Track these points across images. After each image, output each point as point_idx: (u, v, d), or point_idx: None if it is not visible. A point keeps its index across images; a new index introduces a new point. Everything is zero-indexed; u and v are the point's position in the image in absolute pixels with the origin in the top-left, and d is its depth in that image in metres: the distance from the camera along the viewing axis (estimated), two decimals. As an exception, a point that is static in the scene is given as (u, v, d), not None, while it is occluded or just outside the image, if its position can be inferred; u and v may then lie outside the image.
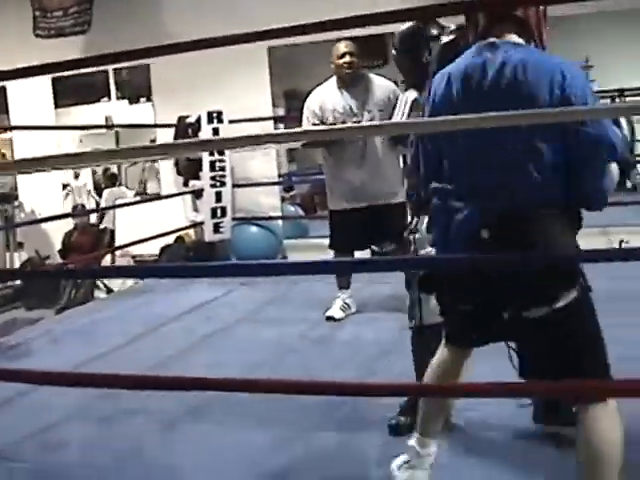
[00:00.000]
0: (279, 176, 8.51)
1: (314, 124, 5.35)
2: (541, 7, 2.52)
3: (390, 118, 4.89)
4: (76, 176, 10.68)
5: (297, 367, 4.39)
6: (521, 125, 2.29)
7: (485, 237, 2.38)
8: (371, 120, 5.19)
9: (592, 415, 2.31)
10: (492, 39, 2.45)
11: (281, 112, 10.25)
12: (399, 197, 5.08)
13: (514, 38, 2.47)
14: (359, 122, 5.18)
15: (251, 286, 6.46)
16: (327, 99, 5.37)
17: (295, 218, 8.70)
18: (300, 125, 5.52)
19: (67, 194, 10.01)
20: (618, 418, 2.31)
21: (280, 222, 8.02)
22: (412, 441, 2.80)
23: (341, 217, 5.46)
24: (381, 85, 5.42)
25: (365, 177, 5.29)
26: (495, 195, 2.39)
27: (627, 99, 8.83)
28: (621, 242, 6.93)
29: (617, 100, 9.03)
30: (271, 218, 7.84)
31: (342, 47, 5.33)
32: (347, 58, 5.30)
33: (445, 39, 3.20)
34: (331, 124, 5.28)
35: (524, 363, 2.53)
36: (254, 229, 7.65)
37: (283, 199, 9.08)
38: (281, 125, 9.07)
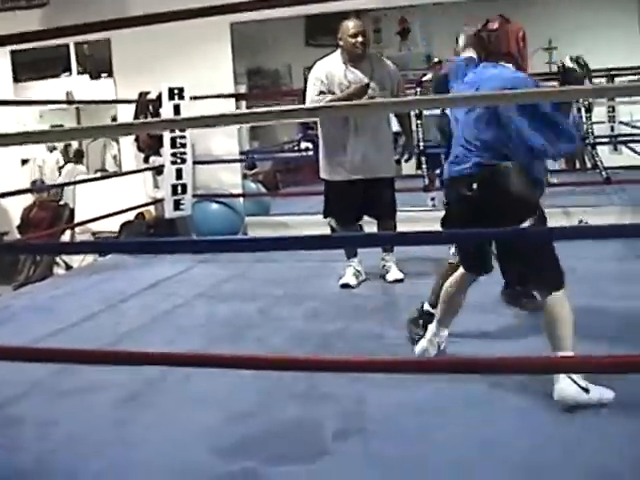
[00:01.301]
0: (241, 153, 8.48)
1: (321, 92, 5.44)
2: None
3: (391, 96, 5.36)
4: (51, 150, 10.63)
5: (255, 342, 4.42)
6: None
7: None
8: (372, 98, 5.31)
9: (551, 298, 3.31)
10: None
11: (243, 89, 10.21)
12: (393, 170, 5.64)
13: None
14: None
15: (211, 263, 6.47)
16: (334, 72, 5.47)
17: (256, 195, 8.67)
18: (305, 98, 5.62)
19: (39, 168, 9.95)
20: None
21: (241, 200, 8.00)
22: (432, 325, 3.83)
23: (341, 188, 5.57)
24: (385, 64, 5.66)
25: (365, 149, 5.47)
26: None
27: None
28: (580, 221, 7.06)
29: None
30: (232, 196, 7.82)
31: (356, 26, 5.47)
32: (360, 38, 5.44)
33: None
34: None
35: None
36: (215, 206, 7.65)
37: (245, 176, 9.07)
38: (243, 103, 9.03)
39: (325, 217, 5.70)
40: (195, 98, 7.28)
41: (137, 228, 7.79)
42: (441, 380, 3.15)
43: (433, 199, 8.19)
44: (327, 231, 6.57)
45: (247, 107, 9.01)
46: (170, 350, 3.49)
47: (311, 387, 3.56)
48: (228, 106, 7.77)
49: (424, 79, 9.14)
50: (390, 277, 5.66)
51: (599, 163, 8.02)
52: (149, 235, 7.63)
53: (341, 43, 5.48)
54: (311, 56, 14.39)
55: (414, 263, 5.79)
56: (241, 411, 3.41)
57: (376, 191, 5.55)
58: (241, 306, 5.24)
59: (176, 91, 7.25)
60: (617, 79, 8.67)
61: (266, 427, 3.25)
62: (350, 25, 5.45)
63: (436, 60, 10.13)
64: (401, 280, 5.61)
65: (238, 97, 8.42)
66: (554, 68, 12.33)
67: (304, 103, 5.63)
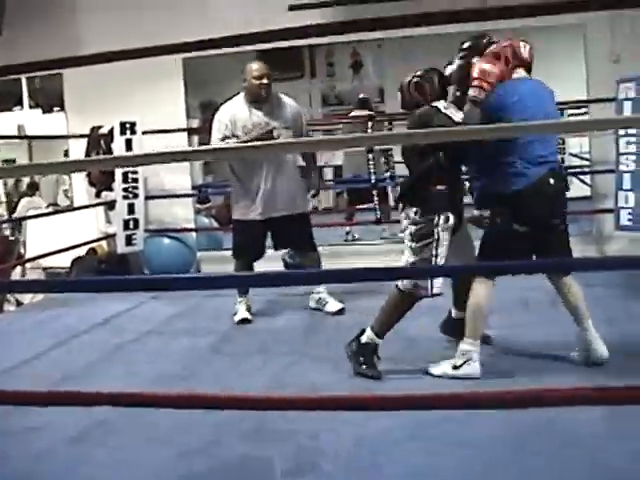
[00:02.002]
0: (193, 187, 8.48)
1: (225, 137, 5.51)
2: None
3: (295, 136, 5.46)
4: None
5: (207, 378, 4.42)
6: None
7: None
8: (278, 137, 5.45)
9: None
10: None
11: (196, 123, 10.23)
12: (307, 205, 5.82)
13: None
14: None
15: (162, 299, 6.45)
16: (238, 114, 5.55)
17: (208, 230, 8.65)
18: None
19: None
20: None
21: (194, 234, 8.00)
22: (465, 345, 4.08)
23: (254, 227, 5.62)
24: (289, 104, 5.74)
25: (277, 188, 5.58)
26: None
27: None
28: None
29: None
30: (184, 230, 7.81)
31: (260, 68, 5.56)
32: (265, 80, 5.53)
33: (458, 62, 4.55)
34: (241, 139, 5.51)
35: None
36: (167, 241, 7.63)
37: (198, 211, 9.07)
38: (196, 137, 9.03)
39: (236, 257, 5.78)
40: (147, 132, 7.28)
41: (89, 264, 7.75)
42: (393, 414, 3.17)
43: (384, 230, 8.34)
44: (280, 264, 6.62)
45: (200, 141, 9.00)
46: (121, 388, 3.48)
47: (263, 423, 3.57)
48: (181, 140, 7.77)
49: (351, 114, 9.39)
50: (331, 308, 5.77)
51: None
52: (101, 271, 7.59)
53: (245, 85, 5.58)
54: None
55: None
56: (191, 449, 3.41)
57: (293, 227, 5.66)
58: (193, 342, 5.24)
59: (128, 125, 7.24)
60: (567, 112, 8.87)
61: (216, 465, 3.26)
62: (254, 67, 5.55)
63: (361, 96, 10.36)
64: (343, 310, 5.75)
65: (190, 131, 8.42)
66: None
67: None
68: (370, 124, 7.62)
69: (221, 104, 5.72)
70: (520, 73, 4.26)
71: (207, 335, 5.38)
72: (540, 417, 2.92)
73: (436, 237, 4.23)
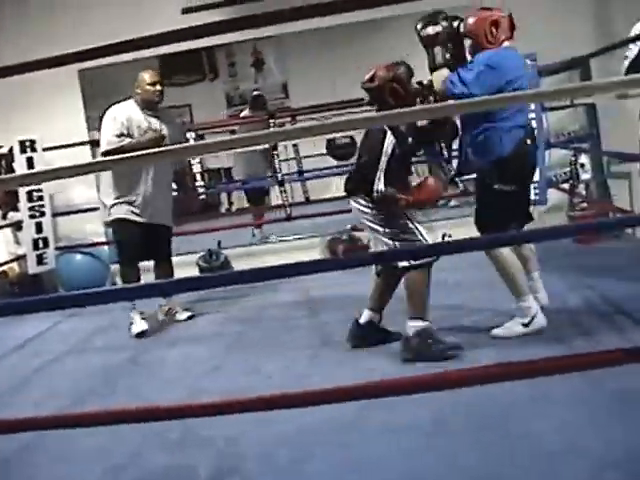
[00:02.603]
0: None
1: (121, 134, 5.53)
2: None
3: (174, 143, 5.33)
4: None
5: (127, 392, 4.38)
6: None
7: None
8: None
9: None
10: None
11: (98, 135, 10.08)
12: (171, 220, 5.96)
13: None
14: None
15: (80, 316, 6.35)
16: (133, 116, 5.63)
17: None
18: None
19: None
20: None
21: (106, 247, 7.87)
22: (523, 303, 4.26)
23: (135, 230, 5.70)
24: (173, 116, 6.21)
25: (158, 196, 5.70)
26: None
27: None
28: (444, 236, 7.25)
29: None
30: (96, 245, 7.69)
31: (154, 75, 5.72)
32: (159, 87, 5.71)
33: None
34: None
35: None
36: (79, 257, 7.51)
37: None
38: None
39: (124, 263, 5.81)
40: (48, 149, 7.15)
41: (0, 287, 7.57)
42: (314, 409, 3.18)
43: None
44: (194, 271, 6.61)
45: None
46: (43, 410, 3.43)
47: (185, 432, 3.55)
48: (84, 154, 7.64)
49: (242, 114, 9.43)
50: (181, 317, 5.93)
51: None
52: (14, 293, 7.42)
53: (138, 91, 5.69)
54: (168, 95, 14.28)
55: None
56: (115, 464, 3.38)
57: (163, 236, 5.85)
58: (112, 357, 5.19)
59: (28, 143, 7.11)
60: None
61: (140, 477, 3.24)
62: (149, 74, 5.70)
63: (255, 93, 10.40)
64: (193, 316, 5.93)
65: (93, 144, 8.29)
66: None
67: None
68: (272, 122, 7.62)
69: (110, 106, 5.75)
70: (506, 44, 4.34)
71: (126, 349, 5.34)
72: (460, 397, 2.95)
73: (406, 218, 4.31)
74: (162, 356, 5.08)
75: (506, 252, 4.31)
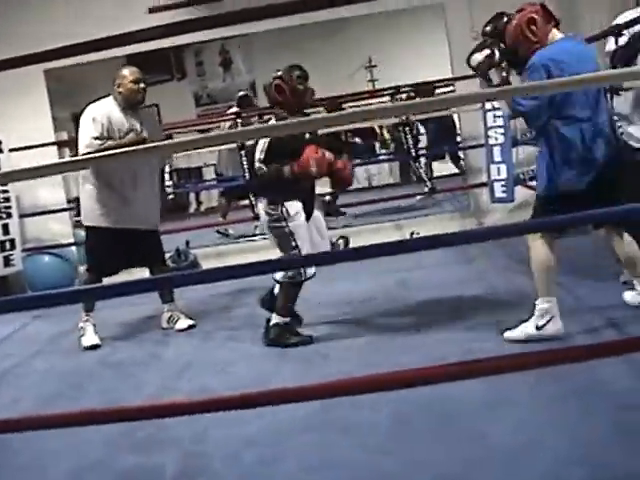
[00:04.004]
0: (68, 201, 8.32)
1: (101, 136, 5.25)
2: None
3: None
4: None
5: (96, 394, 4.35)
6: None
7: None
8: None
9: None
10: None
11: (65, 136, 10.02)
12: (158, 222, 5.65)
13: None
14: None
15: (47, 317, 6.29)
16: (113, 116, 5.34)
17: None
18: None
19: None
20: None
21: (74, 248, 7.83)
22: (544, 304, 4.06)
23: (112, 236, 5.40)
24: (154, 117, 6.01)
25: (144, 199, 5.44)
26: None
27: (403, 96, 9.19)
28: (412, 234, 7.29)
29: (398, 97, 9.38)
30: (63, 245, 7.65)
31: (137, 72, 5.43)
32: (142, 84, 5.41)
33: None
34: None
35: None
36: (47, 259, 7.47)
37: (78, 224, 8.91)
38: (67, 149, 8.85)
39: (91, 268, 5.49)
40: (14, 150, 7.10)
41: (-33, 290, 7.51)
42: (275, 409, 3.18)
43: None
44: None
45: (72, 154, 8.80)
46: (11, 413, 3.40)
47: (152, 432, 3.53)
48: (50, 155, 7.60)
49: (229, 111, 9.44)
50: (181, 325, 5.57)
51: (423, 175, 8.33)
52: (-19, 295, 7.36)
53: (120, 90, 5.38)
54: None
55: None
56: (82, 466, 3.36)
57: (151, 241, 5.57)
58: (80, 358, 5.16)
59: (-7, 144, 7.05)
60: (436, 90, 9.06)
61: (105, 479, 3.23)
62: (131, 71, 5.41)
63: (241, 93, 10.41)
64: (194, 326, 5.57)
65: (60, 144, 8.25)
66: (377, 86, 12.76)
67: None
68: (239, 121, 7.62)
69: (88, 104, 5.46)
70: (556, 33, 4.10)
71: (93, 350, 5.30)
72: (422, 395, 2.97)
73: (288, 230, 4.65)
74: (131, 357, 5.05)
75: (539, 245, 4.10)
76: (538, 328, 4.06)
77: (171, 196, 12.72)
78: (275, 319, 4.78)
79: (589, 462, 2.75)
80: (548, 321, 4.05)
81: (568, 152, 3.99)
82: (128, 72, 5.39)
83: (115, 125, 5.32)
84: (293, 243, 4.65)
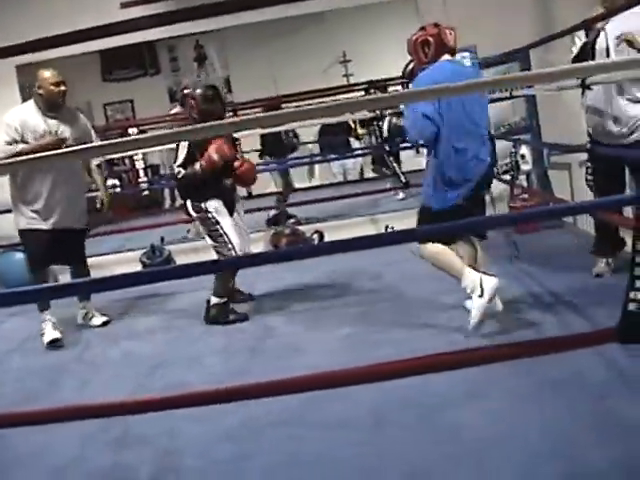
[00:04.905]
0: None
1: (14, 140, 5.26)
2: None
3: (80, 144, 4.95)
4: None
5: (72, 390, 4.35)
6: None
7: None
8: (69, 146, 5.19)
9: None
10: None
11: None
12: (85, 220, 5.74)
13: None
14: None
15: (22, 315, 6.24)
16: (29, 120, 5.33)
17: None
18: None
19: None
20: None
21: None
22: (465, 282, 4.21)
23: (42, 237, 5.45)
24: (78, 116, 5.68)
25: (64, 200, 5.46)
26: None
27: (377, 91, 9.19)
28: (386, 227, 7.32)
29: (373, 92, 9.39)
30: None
31: (56, 75, 5.38)
32: (62, 87, 5.38)
33: None
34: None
35: None
36: (19, 255, 7.38)
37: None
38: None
39: (32, 270, 5.58)
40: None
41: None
42: (251, 403, 3.18)
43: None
44: (137, 267, 6.55)
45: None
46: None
47: (125, 430, 3.53)
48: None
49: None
50: (96, 322, 5.77)
51: (397, 169, 8.34)
52: (-47, 293, 7.29)
53: (40, 92, 5.37)
54: (110, 91, 14.25)
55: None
56: (57, 466, 3.35)
57: (73, 240, 5.61)
58: (56, 355, 5.14)
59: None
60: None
61: (79, 478, 3.22)
62: (51, 74, 5.37)
63: (186, 91, 10.38)
64: (108, 322, 5.79)
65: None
66: (351, 80, 12.75)
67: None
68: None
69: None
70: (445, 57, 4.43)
71: (71, 346, 5.29)
72: (398, 388, 2.98)
73: (221, 231, 5.24)
74: (106, 353, 5.04)
75: (427, 246, 4.35)
76: (480, 295, 4.16)
77: (145, 192, 12.75)
78: (213, 299, 5.29)
79: (564, 454, 2.78)
80: (481, 286, 4.16)
81: (450, 173, 4.27)
82: (49, 74, 5.37)
83: (30, 128, 5.30)
84: (220, 231, 5.24)
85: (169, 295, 6.22)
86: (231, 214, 5.40)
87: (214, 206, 5.28)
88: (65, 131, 5.40)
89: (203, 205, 5.29)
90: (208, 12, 2.97)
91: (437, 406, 3.34)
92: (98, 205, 5.87)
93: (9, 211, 7.44)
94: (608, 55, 4.55)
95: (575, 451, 2.79)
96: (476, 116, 4.32)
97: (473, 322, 4.17)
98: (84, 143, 5.09)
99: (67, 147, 5.12)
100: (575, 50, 4.79)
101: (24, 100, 7.84)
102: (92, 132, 5.72)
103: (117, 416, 3.20)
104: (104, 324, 5.74)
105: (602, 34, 4.61)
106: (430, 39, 4.38)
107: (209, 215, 5.28)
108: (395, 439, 3.14)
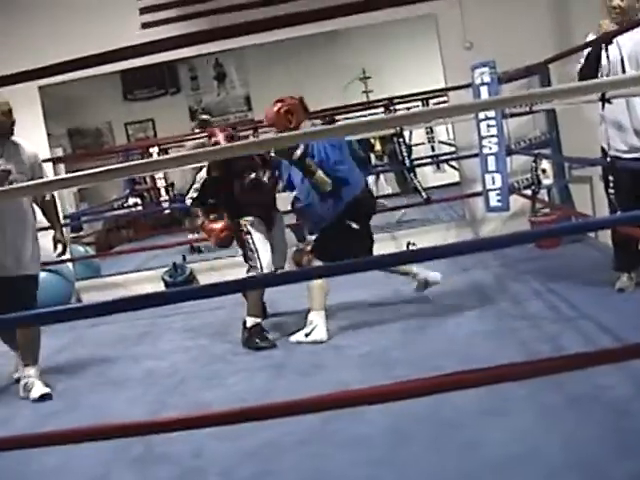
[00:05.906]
0: (65, 217, 8.31)
1: None
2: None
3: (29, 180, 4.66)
4: None
5: (92, 410, 4.35)
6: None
7: None
8: (12, 182, 4.67)
9: None
10: None
11: (60, 152, 10.03)
12: (34, 268, 5.05)
13: None
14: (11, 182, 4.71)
15: (44, 333, 6.24)
16: None
17: (83, 258, 8.44)
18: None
19: None
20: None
21: (70, 264, 7.81)
22: (312, 316, 4.99)
23: None
24: (23, 149, 4.99)
25: (13, 244, 4.87)
26: None
27: (397, 107, 9.18)
28: (409, 244, 7.29)
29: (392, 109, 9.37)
30: (58, 262, 7.59)
31: (4, 105, 4.94)
32: (11, 117, 4.98)
33: None
34: None
35: None
36: (43, 275, 7.40)
37: (76, 239, 8.93)
38: (62, 165, 8.84)
39: None
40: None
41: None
42: (276, 423, 3.16)
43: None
44: (159, 286, 6.55)
45: (67, 169, 8.80)
46: (6, 431, 3.38)
47: (147, 449, 3.53)
48: (47, 171, 7.58)
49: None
50: (35, 394, 4.73)
51: (418, 185, 8.31)
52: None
53: None
54: (131, 110, 14.30)
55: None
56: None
57: (14, 289, 4.85)
58: (77, 374, 5.16)
59: (-14, 162, 6.99)
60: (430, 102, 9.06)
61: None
62: (2, 100, 4.90)
63: (203, 117, 10.41)
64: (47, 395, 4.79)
65: (55, 161, 8.25)
66: (371, 97, 12.76)
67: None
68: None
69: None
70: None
71: (90, 366, 5.31)
72: (419, 405, 2.96)
73: (252, 246, 5.32)
74: (126, 372, 5.05)
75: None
76: (306, 335, 4.99)
77: (167, 211, 12.78)
78: (249, 321, 5.21)
79: (585, 471, 2.75)
80: (312, 329, 4.97)
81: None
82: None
83: None
84: (252, 246, 5.31)
85: (190, 313, 6.22)
86: (270, 229, 5.49)
87: (250, 221, 5.36)
88: (7, 165, 4.80)
89: (240, 221, 5.38)
90: (228, 33, 2.97)
91: (458, 423, 3.32)
92: (52, 248, 5.22)
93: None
94: (623, 67, 4.52)
95: (597, 468, 2.77)
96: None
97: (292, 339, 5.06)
98: (31, 177, 4.81)
99: (11, 182, 4.68)
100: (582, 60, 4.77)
101: (46, 119, 7.95)
102: (42, 168, 5.09)
103: (139, 436, 3.21)
104: (43, 397, 4.71)
105: (613, 46, 4.58)
106: (291, 108, 5.06)
107: (244, 230, 5.35)
108: (415, 456, 3.11)
